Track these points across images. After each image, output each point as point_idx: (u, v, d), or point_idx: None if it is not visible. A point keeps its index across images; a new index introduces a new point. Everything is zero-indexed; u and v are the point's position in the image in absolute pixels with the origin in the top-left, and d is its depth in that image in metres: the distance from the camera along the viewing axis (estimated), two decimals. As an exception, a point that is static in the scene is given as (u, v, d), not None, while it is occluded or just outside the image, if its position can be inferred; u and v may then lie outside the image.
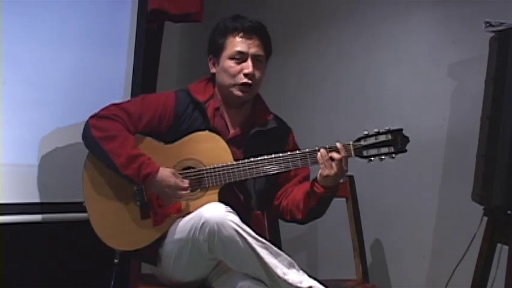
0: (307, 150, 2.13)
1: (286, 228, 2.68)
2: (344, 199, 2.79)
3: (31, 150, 2.43)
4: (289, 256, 2.03)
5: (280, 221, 2.62)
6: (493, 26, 2.34)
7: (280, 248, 2.03)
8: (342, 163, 2.07)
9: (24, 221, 2.41)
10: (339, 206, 2.81)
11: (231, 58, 2.20)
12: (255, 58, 2.21)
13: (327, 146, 2.10)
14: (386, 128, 2.11)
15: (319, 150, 2.10)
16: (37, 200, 2.43)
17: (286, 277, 1.96)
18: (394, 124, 2.15)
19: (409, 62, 2.95)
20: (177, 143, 2.20)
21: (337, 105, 3.19)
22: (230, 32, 2.21)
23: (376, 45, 3.07)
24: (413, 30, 2.95)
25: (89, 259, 2.60)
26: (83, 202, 2.20)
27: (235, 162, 2.14)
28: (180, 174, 2.17)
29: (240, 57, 2.20)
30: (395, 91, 2.99)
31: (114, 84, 2.67)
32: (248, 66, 2.19)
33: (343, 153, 2.07)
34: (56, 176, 2.48)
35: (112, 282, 2.23)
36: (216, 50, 2.24)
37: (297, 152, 2.15)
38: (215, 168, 2.14)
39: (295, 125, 2.40)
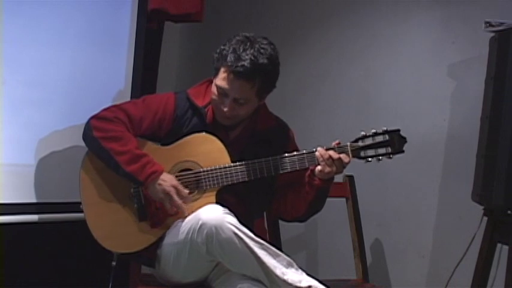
0: (304, 151, 2.13)
1: (286, 228, 2.68)
2: (344, 199, 2.79)
3: (30, 150, 2.43)
4: (288, 256, 2.03)
5: (280, 221, 2.62)
6: (493, 26, 2.34)
7: (279, 249, 2.03)
8: (342, 162, 2.09)
9: (23, 221, 2.41)
10: (339, 206, 2.81)
11: (217, 87, 2.13)
12: (236, 100, 2.12)
13: (325, 147, 2.11)
14: (384, 128, 2.12)
15: (316, 151, 2.11)
16: (36, 200, 2.43)
17: (285, 277, 1.96)
18: (393, 124, 2.16)
19: (409, 62, 2.95)
20: (174, 144, 2.19)
21: (337, 106, 3.19)
22: (224, 63, 2.10)
23: (376, 45, 3.07)
24: (413, 30, 2.94)
25: (87, 259, 2.60)
26: (81, 203, 2.20)
27: (232, 164, 2.13)
28: (178, 176, 2.16)
29: (222, 92, 2.12)
30: (395, 91, 2.99)
31: (114, 84, 2.67)
32: (225, 105, 2.12)
33: (346, 160, 2.09)
34: (56, 176, 2.48)
35: (110, 286, 2.23)
36: (214, 67, 2.16)
37: (294, 153, 2.14)
38: (212, 169, 2.13)
39: (295, 125, 2.40)
